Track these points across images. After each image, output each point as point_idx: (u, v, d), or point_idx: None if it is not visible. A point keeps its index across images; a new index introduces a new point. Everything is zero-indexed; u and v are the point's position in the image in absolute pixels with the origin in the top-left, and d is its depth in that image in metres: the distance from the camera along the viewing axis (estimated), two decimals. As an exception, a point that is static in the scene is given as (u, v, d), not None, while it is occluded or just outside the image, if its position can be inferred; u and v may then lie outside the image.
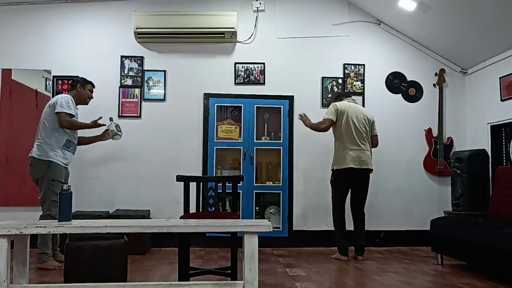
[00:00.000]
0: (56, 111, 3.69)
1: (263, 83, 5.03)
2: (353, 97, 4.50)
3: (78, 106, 3.99)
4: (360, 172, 4.14)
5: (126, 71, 4.93)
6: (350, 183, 4.22)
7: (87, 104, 4.05)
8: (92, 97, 4.07)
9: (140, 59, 4.95)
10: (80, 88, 3.95)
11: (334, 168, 4.22)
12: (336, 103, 4.31)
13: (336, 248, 4.28)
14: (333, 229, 4.27)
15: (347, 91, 5.08)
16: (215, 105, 4.98)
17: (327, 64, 5.10)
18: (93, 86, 4.09)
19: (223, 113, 5.11)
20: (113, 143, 4.83)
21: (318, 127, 4.28)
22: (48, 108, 3.77)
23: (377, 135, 4.35)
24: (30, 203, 4.37)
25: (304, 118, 4.39)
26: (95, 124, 3.96)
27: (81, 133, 4.09)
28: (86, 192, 4.66)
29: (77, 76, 4.22)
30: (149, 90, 4.94)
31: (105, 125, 4.02)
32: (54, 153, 3.68)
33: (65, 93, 4.07)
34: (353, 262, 4.09)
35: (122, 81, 4.92)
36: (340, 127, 4.20)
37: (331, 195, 4.32)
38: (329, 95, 5.06)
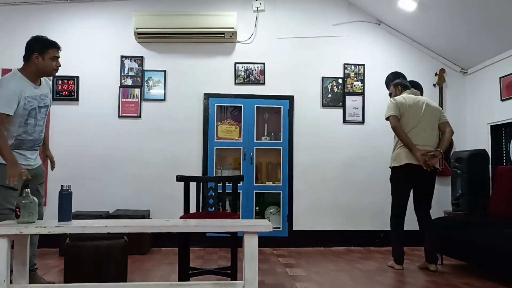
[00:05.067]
0: None
1: (263, 83, 5.03)
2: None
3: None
4: None
5: (126, 71, 4.93)
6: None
7: (52, 76, 3.05)
8: (59, 66, 2.98)
9: (140, 59, 4.95)
10: (37, 59, 2.84)
11: (391, 166, 3.92)
12: (398, 97, 3.96)
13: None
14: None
15: (347, 91, 5.08)
16: (215, 105, 4.98)
17: (327, 64, 5.10)
18: (58, 48, 2.94)
19: (223, 113, 5.11)
20: (113, 143, 4.84)
21: (395, 132, 3.84)
22: None
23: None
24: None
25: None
26: (11, 171, 2.66)
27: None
28: (86, 192, 4.66)
29: (30, 42, 2.91)
30: (149, 90, 4.94)
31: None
32: None
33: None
34: (353, 263, 4.08)
35: (122, 81, 4.92)
36: None
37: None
38: (329, 95, 5.06)
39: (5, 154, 2.72)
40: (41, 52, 2.85)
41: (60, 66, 2.97)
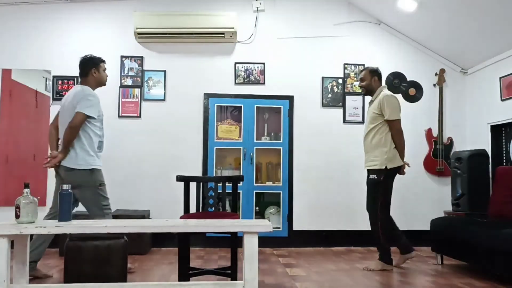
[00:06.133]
0: (78, 110, 3.23)
1: (263, 83, 5.03)
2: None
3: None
4: None
5: (126, 71, 4.93)
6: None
7: (105, 85, 3.59)
8: (107, 76, 3.60)
9: (140, 59, 4.95)
10: (95, 73, 3.45)
11: (389, 167, 3.72)
12: (394, 95, 3.82)
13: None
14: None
15: (347, 91, 5.08)
16: (215, 105, 4.98)
17: (327, 64, 5.10)
18: (105, 61, 3.58)
19: (223, 113, 5.11)
20: (113, 143, 4.84)
21: (400, 137, 3.74)
22: (74, 108, 3.28)
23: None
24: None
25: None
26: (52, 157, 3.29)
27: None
28: (86, 192, 4.65)
29: (84, 61, 3.48)
30: (149, 90, 4.94)
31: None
32: (92, 158, 3.32)
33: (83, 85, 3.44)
34: (353, 263, 4.08)
35: (122, 81, 4.92)
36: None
37: (380, 198, 3.74)
38: (329, 95, 5.06)
39: (66, 145, 3.26)
40: (96, 67, 3.46)
41: (108, 76, 3.59)
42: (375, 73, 3.89)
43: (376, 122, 3.75)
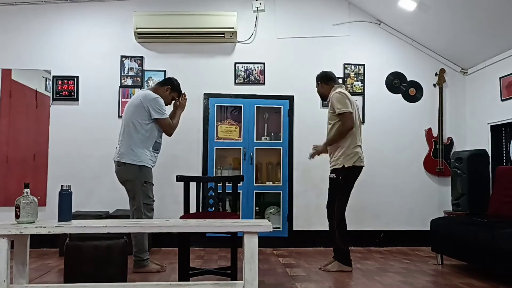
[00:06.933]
0: (156, 117, 3.56)
1: (263, 83, 5.03)
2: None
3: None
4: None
5: (126, 71, 4.93)
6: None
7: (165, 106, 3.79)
8: (170, 104, 3.83)
9: (140, 59, 4.95)
10: (167, 91, 3.76)
11: (347, 166, 3.65)
12: (343, 90, 3.76)
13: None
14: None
15: (348, 91, 5.06)
16: (215, 105, 4.98)
17: (327, 64, 5.07)
18: (180, 95, 3.87)
19: (223, 113, 5.11)
20: (113, 143, 4.83)
21: (344, 130, 3.64)
22: (136, 109, 3.57)
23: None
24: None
25: (316, 150, 3.96)
26: (180, 106, 3.84)
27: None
28: (86, 192, 4.66)
29: (170, 79, 3.89)
30: (149, 90, 4.94)
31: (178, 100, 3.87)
32: (145, 156, 3.57)
33: (151, 90, 3.76)
34: (353, 263, 4.08)
35: (122, 81, 4.92)
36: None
37: (339, 198, 3.69)
38: (329, 95, 5.05)
39: (179, 117, 3.79)
40: (172, 90, 3.78)
41: (170, 104, 3.83)
42: (318, 79, 3.95)
43: (333, 121, 3.73)
